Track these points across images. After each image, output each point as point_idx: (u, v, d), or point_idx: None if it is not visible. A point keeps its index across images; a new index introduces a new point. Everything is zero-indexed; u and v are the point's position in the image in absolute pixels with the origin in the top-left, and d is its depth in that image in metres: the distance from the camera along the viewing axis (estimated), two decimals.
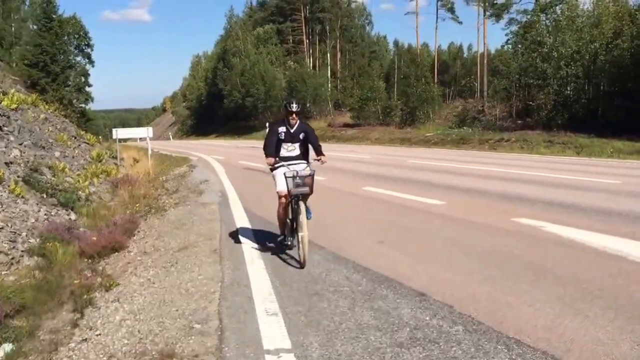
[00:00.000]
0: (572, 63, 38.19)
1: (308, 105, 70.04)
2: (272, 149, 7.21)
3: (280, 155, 7.28)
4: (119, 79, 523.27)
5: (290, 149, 7.35)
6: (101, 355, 4.63)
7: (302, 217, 6.71)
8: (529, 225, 8.99)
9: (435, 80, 59.90)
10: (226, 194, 14.31)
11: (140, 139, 36.93)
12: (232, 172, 20.96)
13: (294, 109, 7.13)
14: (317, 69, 79.38)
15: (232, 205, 12.19)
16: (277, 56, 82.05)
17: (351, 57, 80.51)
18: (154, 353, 4.46)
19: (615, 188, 13.21)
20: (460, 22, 70.75)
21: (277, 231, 9.10)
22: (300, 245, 6.79)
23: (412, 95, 54.11)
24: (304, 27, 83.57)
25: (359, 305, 5.35)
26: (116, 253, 8.77)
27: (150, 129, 27.77)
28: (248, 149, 39.87)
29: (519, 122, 43.57)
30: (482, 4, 58.36)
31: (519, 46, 46.30)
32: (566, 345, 4.31)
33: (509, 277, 6.16)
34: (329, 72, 78.28)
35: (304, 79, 72.09)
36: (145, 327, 5.08)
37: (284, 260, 7.25)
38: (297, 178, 6.87)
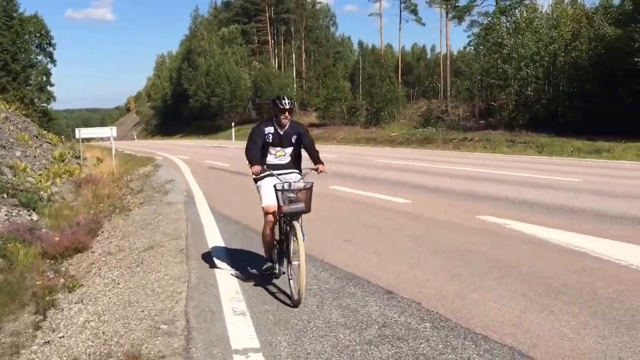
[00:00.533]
0: (532, 64, 38.95)
1: None
2: (257, 154, 5.82)
3: (267, 162, 5.93)
4: (82, 78, 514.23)
5: (279, 155, 6.01)
6: (64, 358, 4.52)
7: (298, 240, 5.31)
8: (494, 223, 9.10)
9: (400, 81, 60.56)
10: (192, 193, 14.19)
11: (103, 138, 36.50)
12: (198, 171, 20.82)
13: (287, 106, 5.76)
14: (283, 69, 79.44)
15: (198, 205, 12.10)
16: (242, 56, 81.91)
17: (316, 57, 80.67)
18: (119, 354, 4.37)
19: (577, 186, 13.48)
20: (423, 24, 71.89)
21: (245, 231, 9.12)
22: (293, 277, 5.52)
23: (377, 96, 54.56)
24: (268, 28, 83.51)
25: (327, 304, 5.34)
26: (80, 254, 8.59)
27: (114, 128, 27.50)
28: (213, 149, 39.71)
29: (482, 122, 44.27)
30: (445, 6, 59.04)
31: (481, 47, 47.20)
32: (532, 340, 4.35)
33: (475, 274, 6.21)
34: (294, 72, 78.34)
35: (269, 79, 72.16)
36: (110, 328, 4.99)
37: (251, 258, 7.19)
38: (290, 192, 5.52)
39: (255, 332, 4.65)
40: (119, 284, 6.46)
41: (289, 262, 5.63)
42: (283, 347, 4.35)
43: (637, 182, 14.37)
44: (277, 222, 5.89)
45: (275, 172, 5.80)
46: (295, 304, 5.31)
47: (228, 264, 6.97)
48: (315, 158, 5.97)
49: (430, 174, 17.33)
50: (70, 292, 6.49)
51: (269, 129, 5.88)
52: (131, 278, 6.63)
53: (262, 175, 5.81)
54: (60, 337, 4.97)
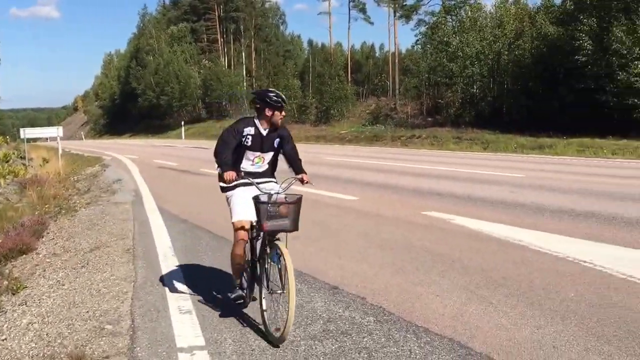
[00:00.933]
0: (477, 62, 39.75)
1: (224, 103, 69.99)
2: (228, 156, 4.88)
3: (241, 169, 5.00)
4: (28, 77, 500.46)
5: (257, 162, 5.10)
6: None
7: (286, 264, 4.38)
8: (439, 218, 9.30)
9: (349, 79, 60.95)
10: (140, 193, 14.05)
11: (50, 138, 35.79)
12: (147, 171, 20.58)
13: (285, 103, 5.12)
14: (232, 67, 78.97)
15: (146, 204, 11.99)
16: (192, 55, 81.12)
17: (266, 56, 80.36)
18: (62, 356, 4.33)
19: (519, 181, 13.86)
20: (372, 23, 72.30)
21: (193, 230, 9.09)
22: (272, 308, 4.62)
23: (327, 94, 54.84)
24: (218, 26, 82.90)
25: None
26: (24, 255, 8.44)
27: (60, 128, 27.07)
28: (163, 148, 39.30)
29: (429, 119, 44.96)
30: (392, 5, 59.58)
31: (428, 46, 47.84)
32: (471, 331, 4.50)
33: (420, 268, 6.36)
34: (244, 70, 77.93)
35: (219, 77, 71.88)
36: (53, 330, 4.94)
37: (199, 257, 7.19)
38: (270, 205, 4.60)
39: (200, 330, 4.67)
40: (63, 285, 6.38)
41: (270, 291, 4.62)
42: (228, 344, 4.39)
43: (576, 177, 14.85)
44: (249, 241, 4.99)
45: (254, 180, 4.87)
46: (276, 341, 4.32)
47: (175, 262, 6.95)
48: (298, 166, 5.22)
49: (378, 171, 17.54)
50: (13, 294, 6.38)
51: (249, 130, 4.97)
52: (76, 279, 6.55)
53: (236, 182, 4.88)
54: (3, 340, 4.90)
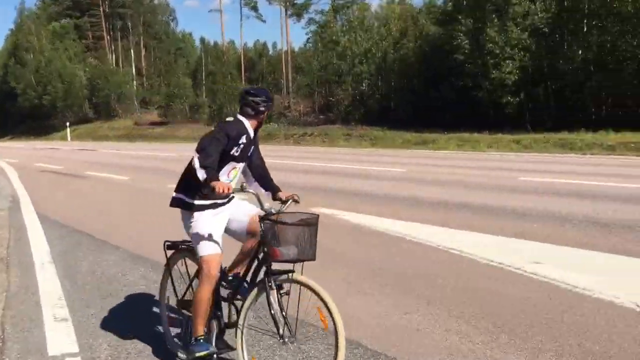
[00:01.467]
0: (365, 61, 40.84)
1: (113, 103, 68.02)
2: (217, 160, 3.67)
3: None
4: None
5: (233, 175, 3.99)
6: None
7: (322, 297, 3.63)
8: (325, 214, 9.50)
9: (243, 78, 60.80)
10: (18, 198, 13.41)
11: None
12: (27, 175, 19.68)
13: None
14: (121, 66, 76.67)
15: (24, 210, 11.48)
16: (76, 52, 77.81)
17: (156, 54, 78.71)
18: None
19: (401, 176, 14.47)
20: (264, 21, 72.56)
21: (73, 234, 8.84)
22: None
23: (219, 93, 54.43)
24: (103, 23, 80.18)
25: (155, 304, 5.34)
26: None
27: None
28: (46, 151, 37.74)
29: (321, 117, 45.81)
30: (284, 3, 59.98)
31: (318, 45, 48.52)
32: (346, 320, 4.60)
33: (304, 264, 6.51)
34: (134, 69, 75.93)
35: (106, 76, 69.54)
36: None
37: (78, 262, 7.02)
38: (275, 225, 3.54)
39: (75, 336, 4.57)
40: None
41: (282, 341, 3.70)
42: (103, 348, 4.33)
43: (454, 170, 15.70)
44: (225, 277, 4.14)
45: (220, 200, 3.95)
46: None
47: (52, 269, 6.72)
48: (270, 180, 4.31)
49: (270, 169, 17.54)
50: None
51: (243, 138, 3.88)
52: None
53: (201, 203, 3.92)
54: None
